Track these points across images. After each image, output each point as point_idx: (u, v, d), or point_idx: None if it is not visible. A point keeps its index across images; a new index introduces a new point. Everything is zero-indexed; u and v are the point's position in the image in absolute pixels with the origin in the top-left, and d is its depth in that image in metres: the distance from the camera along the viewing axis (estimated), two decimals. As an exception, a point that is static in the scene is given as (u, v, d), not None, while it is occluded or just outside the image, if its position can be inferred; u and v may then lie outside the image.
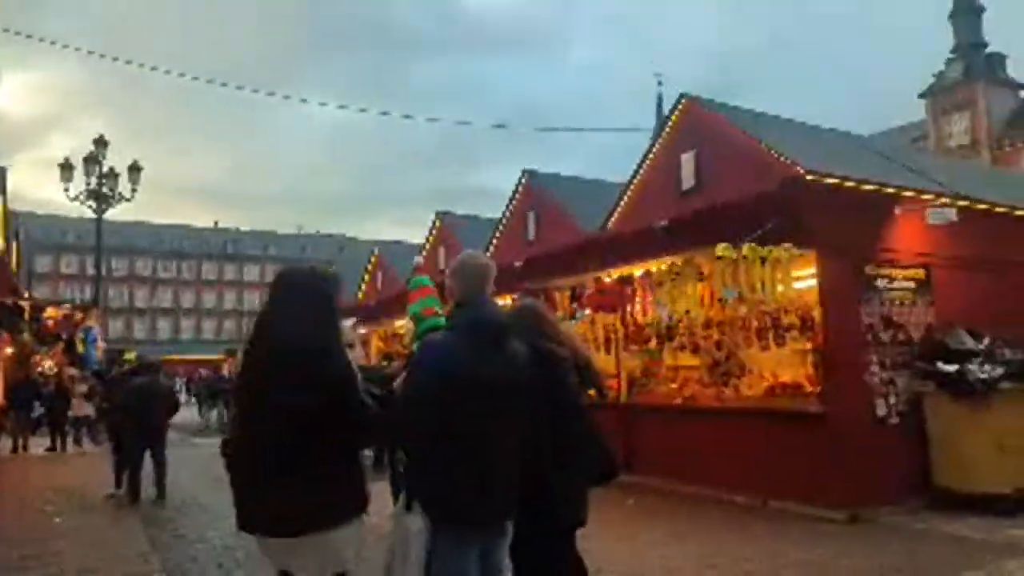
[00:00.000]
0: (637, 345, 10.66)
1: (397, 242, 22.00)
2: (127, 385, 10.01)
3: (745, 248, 7.22)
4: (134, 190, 23.56)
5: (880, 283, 8.30)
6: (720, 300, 7.54)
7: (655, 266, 8.19)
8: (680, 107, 13.24)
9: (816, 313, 8.21)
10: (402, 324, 15.25)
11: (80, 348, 11.15)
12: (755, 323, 8.98)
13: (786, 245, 7.60)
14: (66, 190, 22.05)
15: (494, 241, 17.21)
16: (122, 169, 22.42)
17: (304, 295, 2.84)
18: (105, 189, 22.71)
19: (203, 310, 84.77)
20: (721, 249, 7.12)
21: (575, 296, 9.48)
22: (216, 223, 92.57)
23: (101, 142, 22.92)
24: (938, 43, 63.15)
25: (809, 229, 7.76)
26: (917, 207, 8.46)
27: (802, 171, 7.92)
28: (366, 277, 23.22)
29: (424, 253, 19.74)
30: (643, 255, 8.35)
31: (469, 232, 18.02)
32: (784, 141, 10.62)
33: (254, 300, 77.76)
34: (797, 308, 8.59)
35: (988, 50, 44.60)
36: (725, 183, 9.94)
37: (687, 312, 7.75)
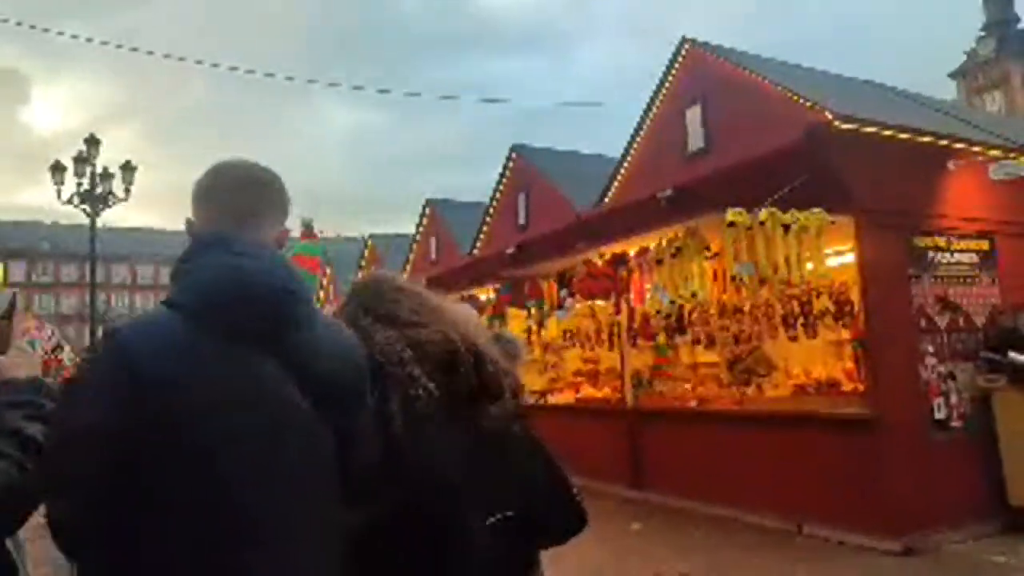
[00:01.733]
0: (645, 339, 9.19)
1: (398, 235, 20.71)
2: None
3: (763, 213, 5.76)
4: (127, 190, 22.85)
5: (933, 256, 6.77)
6: (733, 279, 6.05)
7: (652, 242, 6.72)
8: (682, 54, 11.50)
9: (855, 295, 6.71)
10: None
11: None
12: (779, 309, 7.47)
13: (816, 210, 6.11)
14: (58, 193, 21.40)
15: (484, 228, 15.77)
16: (125, 173, 21.75)
17: None
18: (98, 190, 22.09)
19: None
20: (733, 214, 5.66)
21: (564, 283, 8.05)
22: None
23: (92, 141, 22.07)
24: (967, 21, 60.46)
25: (844, 190, 6.26)
26: (978, 162, 6.89)
27: (832, 117, 6.40)
28: (359, 273, 22.00)
29: (416, 244, 18.35)
30: (640, 230, 6.90)
31: (460, 219, 16.59)
32: (808, 86, 9.04)
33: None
34: (831, 289, 7.08)
35: (1020, 26, 42.46)
36: (740, 141, 8.40)
37: (693, 296, 6.29)
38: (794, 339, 7.55)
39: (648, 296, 6.77)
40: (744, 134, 8.80)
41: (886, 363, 6.34)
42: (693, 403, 8.34)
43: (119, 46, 31.92)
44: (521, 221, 14.47)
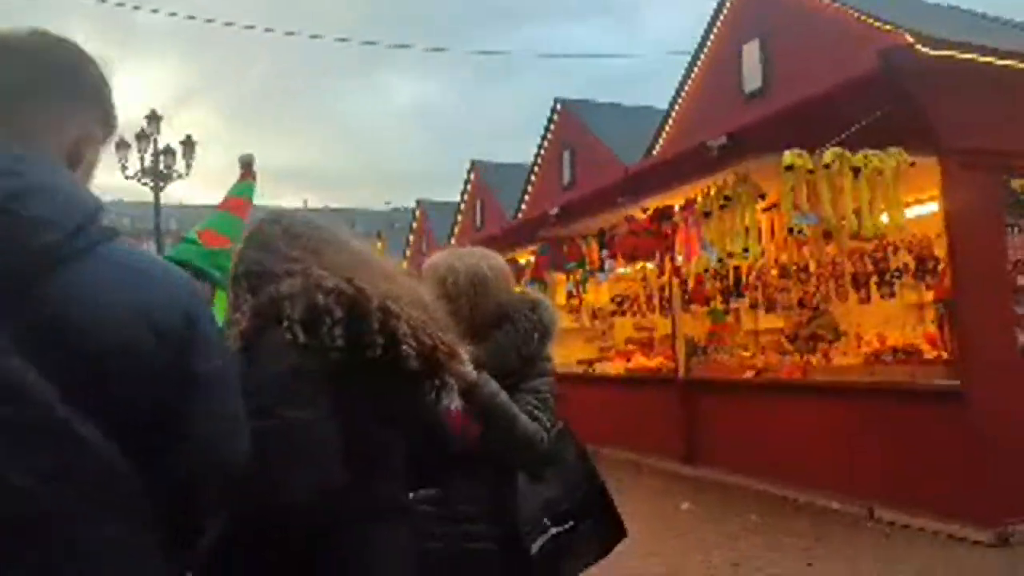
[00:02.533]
0: (699, 304, 8.45)
1: (447, 203, 20.05)
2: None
3: (828, 154, 4.95)
4: (189, 166, 23.24)
5: (1035, 202, 5.80)
6: (791, 232, 5.26)
7: (699, 192, 5.97)
8: (739, -20, 10.31)
9: (939, 249, 5.83)
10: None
11: None
12: (849, 268, 6.61)
13: (893, 150, 5.25)
14: (123, 169, 21.89)
15: (529, 189, 15.04)
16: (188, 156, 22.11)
17: None
18: (161, 166, 22.53)
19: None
20: (791, 156, 4.88)
21: (604, 243, 7.36)
22: (305, 202, 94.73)
23: (154, 117, 22.48)
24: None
25: (927, 127, 5.37)
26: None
27: (914, 41, 5.47)
28: (410, 238, 21.60)
29: (462, 208, 17.75)
30: (687, 180, 6.15)
31: (506, 181, 15.88)
32: (885, 9, 7.95)
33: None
34: (911, 244, 6.20)
35: None
36: (803, 78, 7.44)
37: (744, 253, 5.52)
38: (866, 301, 6.70)
39: (696, 254, 6.04)
40: (808, 70, 7.81)
41: (977, 327, 5.48)
42: (752, 372, 7.59)
43: (191, 17, 32.30)
44: (566, 180, 13.69)
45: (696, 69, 11.07)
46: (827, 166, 4.94)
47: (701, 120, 9.68)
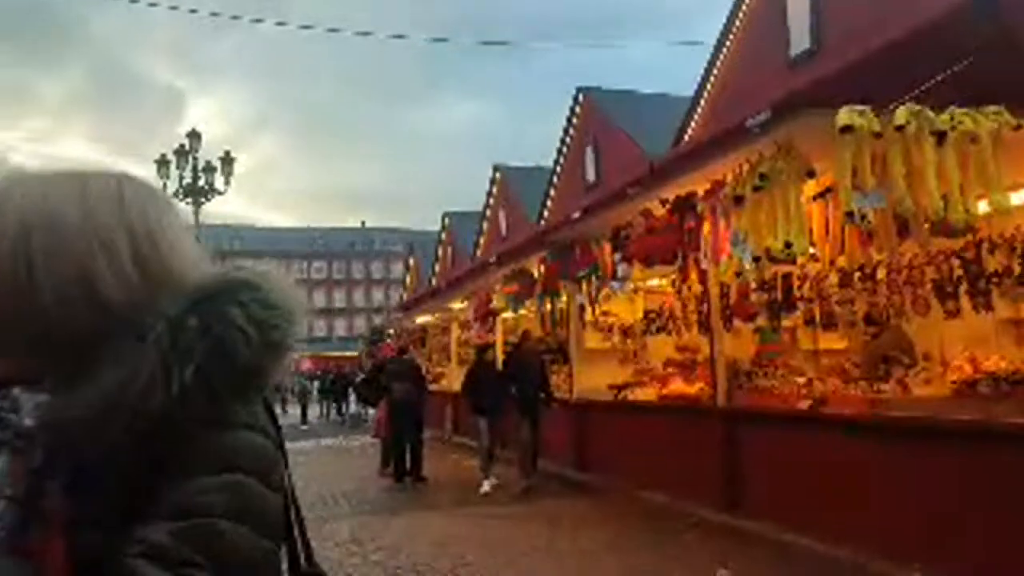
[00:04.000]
0: (742, 320, 7.09)
1: (471, 213, 18.75)
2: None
3: (901, 113, 3.63)
4: (227, 183, 23.15)
5: None
6: (851, 219, 3.91)
7: (729, 171, 4.67)
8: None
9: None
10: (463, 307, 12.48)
11: None
12: (931, 271, 5.17)
13: (991, 109, 3.89)
14: (164, 186, 21.93)
15: (552, 192, 13.75)
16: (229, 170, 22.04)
17: None
18: (202, 183, 22.48)
19: (354, 308, 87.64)
20: (848, 115, 3.58)
21: (618, 244, 6.10)
22: (363, 223, 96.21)
23: (194, 135, 22.53)
24: None
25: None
26: None
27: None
28: (439, 251, 20.50)
29: (487, 216, 16.54)
30: (715, 160, 4.87)
31: (529, 185, 14.63)
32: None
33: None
34: (1014, 238, 4.75)
35: None
36: (862, 32, 6.02)
37: (787, 250, 4.19)
38: (954, 315, 5.25)
39: (725, 252, 4.72)
40: (868, 22, 6.40)
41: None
42: (807, 403, 6.18)
43: (275, 21, 32.54)
44: (590, 178, 12.38)
45: (729, 38, 9.66)
46: (899, 128, 3.62)
47: (737, 97, 8.33)
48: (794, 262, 5.08)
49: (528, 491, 8.59)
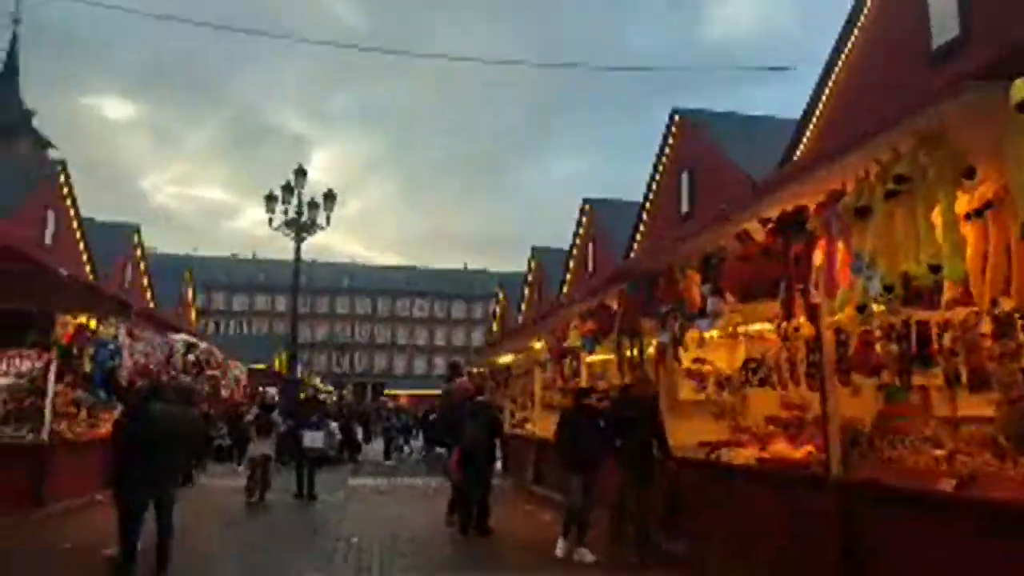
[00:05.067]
0: (863, 374, 5.88)
1: (560, 250, 17.89)
2: (138, 414, 7.71)
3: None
4: (328, 218, 23.71)
5: None
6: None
7: (851, 179, 3.64)
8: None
9: None
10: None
11: (87, 366, 9.28)
12: None
13: None
14: (270, 220, 22.66)
15: (641, 227, 12.61)
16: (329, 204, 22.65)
17: None
18: (304, 219, 23.11)
19: (453, 348, 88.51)
20: (1026, 88, 2.57)
21: (708, 274, 5.10)
22: (465, 265, 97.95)
23: (300, 172, 23.28)
24: None
25: None
26: None
27: None
28: (526, 291, 19.67)
29: (574, 252, 15.59)
30: (832, 165, 3.86)
31: (618, 219, 13.57)
32: None
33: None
34: None
35: None
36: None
37: (934, 273, 3.13)
38: None
39: (844, 279, 3.67)
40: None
41: None
42: (951, 483, 4.91)
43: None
44: (684, 208, 11.26)
45: (853, 38, 8.44)
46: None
47: (863, 103, 7.13)
48: (937, 297, 3.92)
49: (638, 568, 7.18)
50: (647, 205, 12.94)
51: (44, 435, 10.20)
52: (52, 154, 71.70)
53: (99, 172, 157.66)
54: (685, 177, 11.49)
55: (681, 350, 6.18)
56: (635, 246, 12.85)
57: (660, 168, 12.90)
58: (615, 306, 6.88)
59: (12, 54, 69.71)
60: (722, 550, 7.12)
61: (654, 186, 12.92)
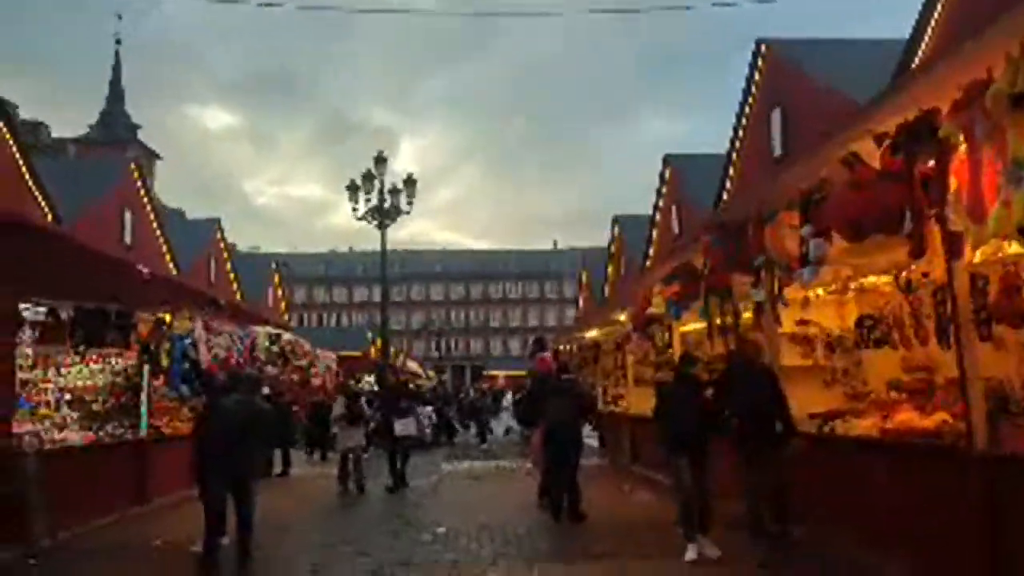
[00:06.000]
0: (1011, 325, 4.89)
1: (642, 216, 16.63)
2: (211, 407, 7.63)
3: None
4: (410, 203, 23.71)
5: None
6: None
7: (1000, 61, 2.75)
8: None
9: None
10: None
11: (164, 361, 9.27)
12: None
13: None
14: (354, 209, 22.88)
15: (729, 180, 11.35)
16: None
17: None
18: (387, 205, 23.23)
19: (546, 328, 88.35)
20: None
21: (809, 214, 4.22)
22: (555, 243, 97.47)
23: (380, 160, 23.34)
24: None
25: None
26: None
27: None
28: (610, 263, 18.67)
29: (657, 213, 14.47)
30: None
31: (700, 174, 12.31)
32: None
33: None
34: None
35: None
36: None
37: None
38: None
39: (994, 204, 2.80)
40: None
41: None
42: None
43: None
44: (777, 150, 9.99)
45: None
46: None
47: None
48: None
49: (768, 566, 6.12)
50: (734, 154, 11.64)
51: (143, 432, 10.43)
52: (158, 164, 76.26)
53: (205, 177, 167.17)
54: (777, 116, 10.17)
55: (781, 308, 5.28)
56: (723, 203, 11.76)
57: (747, 110, 11.53)
58: (700, 265, 6.06)
59: (117, 73, 74.49)
60: (845, 534, 6.27)
61: (741, 132, 11.63)
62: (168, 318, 9.03)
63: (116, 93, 72.55)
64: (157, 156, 74.96)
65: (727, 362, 6.98)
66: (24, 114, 57.40)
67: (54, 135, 57.55)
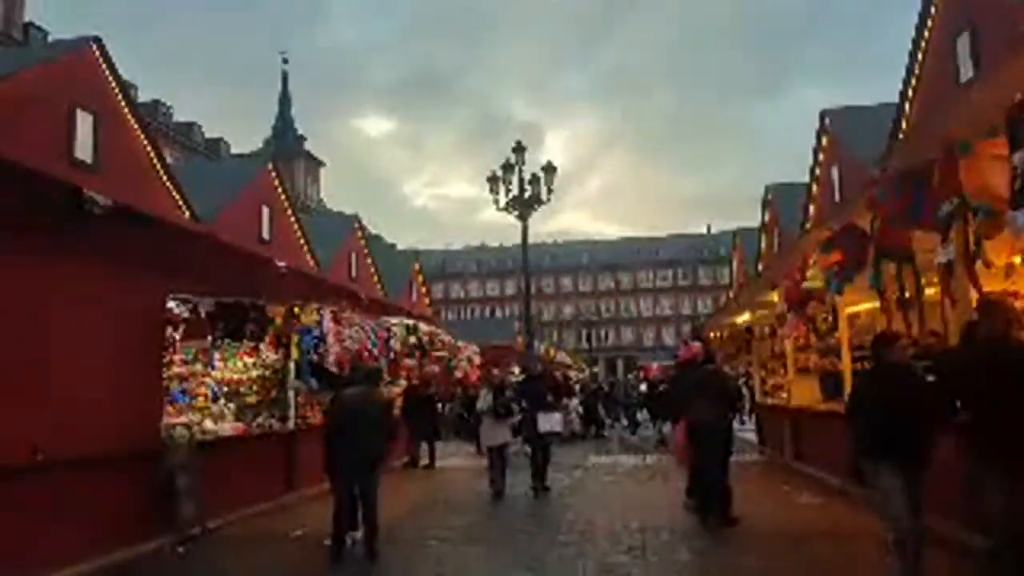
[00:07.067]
0: None
1: (797, 184, 14.55)
2: (335, 399, 7.56)
3: None
4: (550, 191, 23.29)
5: None
6: None
7: None
8: None
9: None
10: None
11: (295, 354, 9.23)
12: None
13: None
14: (495, 201, 22.85)
15: (906, 110, 9.30)
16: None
17: None
18: (527, 195, 22.99)
19: (700, 316, 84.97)
20: None
21: (1018, 128, 3.09)
22: (708, 227, 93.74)
23: (519, 149, 23.11)
24: None
25: None
26: None
27: None
28: (763, 237, 16.85)
29: (815, 176, 12.67)
30: None
31: (864, 129, 10.43)
32: None
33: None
34: None
35: None
36: None
37: None
38: None
39: None
40: None
41: None
42: None
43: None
44: (964, 75, 8.05)
45: None
46: None
47: None
48: None
49: None
50: (909, 94, 9.78)
51: (291, 423, 10.70)
52: (322, 172, 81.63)
53: (368, 183, 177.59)
54: (964, 41, 8.30)
55: (980, 267, 4.00)
56: (896, 144, 9.99)
57: (924, 39, 9.58)
58: (867, 225, 4.85)
59: (285, 89, 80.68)
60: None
61: (916, 68, 9.71)
62: (297, 311, 9.13)
63: (285, 108, 78.86)
64: (322, 164, 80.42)
65: (963, 336, 4.52)
66: (208, 133, 63.73)
67: (233, 151, 63.37)
